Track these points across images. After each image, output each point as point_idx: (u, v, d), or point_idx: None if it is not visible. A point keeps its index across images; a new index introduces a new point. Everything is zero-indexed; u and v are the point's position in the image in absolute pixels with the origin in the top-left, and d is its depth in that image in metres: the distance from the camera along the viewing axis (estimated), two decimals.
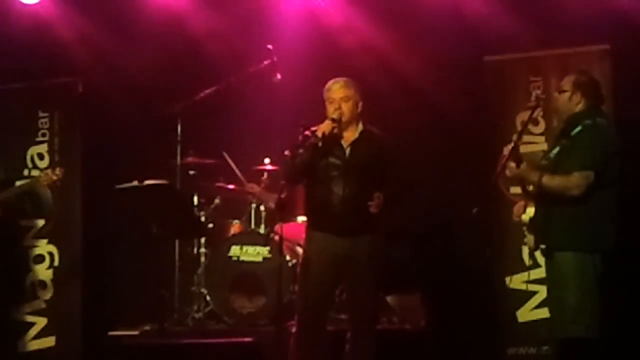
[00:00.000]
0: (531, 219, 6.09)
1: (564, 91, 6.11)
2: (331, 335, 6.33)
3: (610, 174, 5.87)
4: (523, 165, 5.92)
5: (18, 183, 7.50)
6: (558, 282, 6.01)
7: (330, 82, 6.28)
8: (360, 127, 6.31)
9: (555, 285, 6.07)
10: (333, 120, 6.14)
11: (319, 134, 6.12)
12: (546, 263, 6.20)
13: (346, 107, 6.18)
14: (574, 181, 5.78)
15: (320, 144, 6.11)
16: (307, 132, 6.21)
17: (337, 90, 6.22)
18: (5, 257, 7.79)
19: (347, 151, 6.24)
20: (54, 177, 7.20)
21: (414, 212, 7.73)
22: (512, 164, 5.90)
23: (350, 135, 6.26)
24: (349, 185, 6.15)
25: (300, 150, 6.20)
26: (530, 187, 6.05)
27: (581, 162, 5.81)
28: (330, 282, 6.26)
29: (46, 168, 7.83)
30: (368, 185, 6.12)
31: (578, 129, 5.90)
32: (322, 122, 6.18)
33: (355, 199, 6.10)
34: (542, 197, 5.97)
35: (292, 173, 6.36)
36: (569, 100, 6.08)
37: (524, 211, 6.16)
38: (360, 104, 6.25)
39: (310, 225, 6.37)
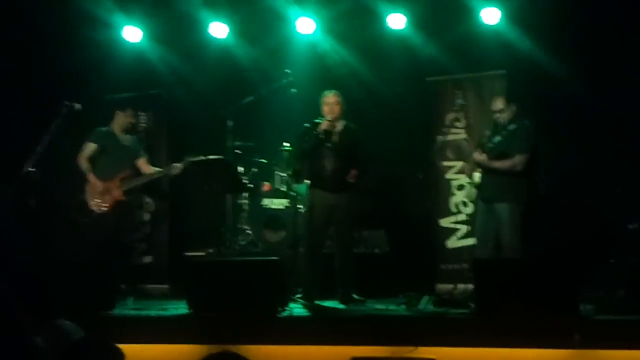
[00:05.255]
0: (481, 181, 6.22)
1: (501, 110, 6.16)
2: (326, 255, 6.54)
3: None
4: (484, 156, 6.05)
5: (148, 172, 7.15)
6: (494, 223, 6.13)
7: (325, 92, 6.50)
8: (343, 122, 6.50)
9: (490, 225, 6.17)
10: (329, 121, 6.35)
11: (321, 129, 6.32)
12: (485, 209, 6.24)
13: (336, 109, 6.39)
14: (518, 161, 5.97)
15: (322, 136, 6.36)
16: (306, 125, 6.45)
17: (330, 98, 6.44)
18: None
19: (336, 139, 6.44)
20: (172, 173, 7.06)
21: (382, 177, 7.96)
22: (480, 156, 6.04)
23: (337, 128, 6.47)
24: (337, 160, 6.38)
25: (306, 139, 6.43)
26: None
27: (522, 147, 6.00)
28: (324, 221, 6.45)
29: (144, 148, 7.61)
30: (348, 160, 6.35)
31: (514, 126, 6.05)
32: (317, 118, 6.43)
33: (341, 169, 6.34)
34: (488, 170, 6.15)
35: (301, 154, 6.66)
36: (505, 113, 6.16)
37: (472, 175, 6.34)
38: (343, 107, 6.46)
39: (312, 184, 6.56)
